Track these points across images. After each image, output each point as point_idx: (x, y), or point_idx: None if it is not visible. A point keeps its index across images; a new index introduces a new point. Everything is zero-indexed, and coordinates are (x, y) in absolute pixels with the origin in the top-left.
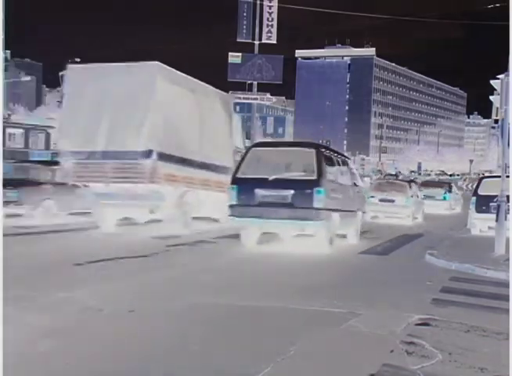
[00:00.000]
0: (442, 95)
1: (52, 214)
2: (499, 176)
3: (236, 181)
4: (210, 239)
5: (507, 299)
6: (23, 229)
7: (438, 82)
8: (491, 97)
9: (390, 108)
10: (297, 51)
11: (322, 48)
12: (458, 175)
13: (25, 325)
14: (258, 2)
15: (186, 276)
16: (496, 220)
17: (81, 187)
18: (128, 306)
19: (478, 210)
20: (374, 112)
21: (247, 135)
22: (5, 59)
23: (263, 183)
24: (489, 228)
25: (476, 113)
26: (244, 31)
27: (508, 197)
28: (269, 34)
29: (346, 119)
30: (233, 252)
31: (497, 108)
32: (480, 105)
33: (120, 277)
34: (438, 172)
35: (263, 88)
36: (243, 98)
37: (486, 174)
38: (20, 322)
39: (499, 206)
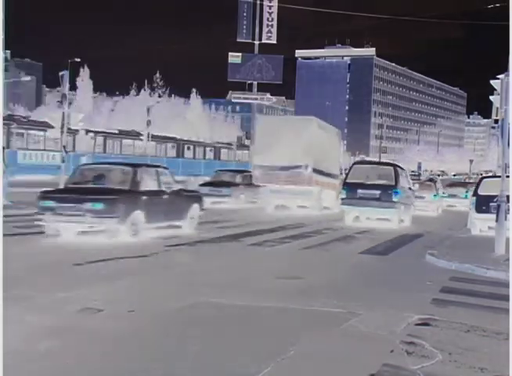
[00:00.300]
0: (442, 95)
1: (242, 201)
2: (499, 176)
3: (346, 184)
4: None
5: (507, 299)
6: (232, 207)
7: (438, 82)
8: (491, 97)
9: (390, 108)
10: (297, 51)
11: (322, 48)
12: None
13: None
14: (258, 2)
15: (186, 275)
16: (496, 220)
17: (261, 186)
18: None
19: (478, 210)
20: (374, 112)
21: (247, 135)
22: (5, 59)
23: (361, 186)
24: (489, 228)
25: (476, 113)
26: (244, 31)
27: (508, 196)
28: (269, 34)
29: (346, 119)
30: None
31: (497, 108)
32: (480, 105)
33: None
34: (438, 173)
35: (263, 88)
36: (243, 98)
37: (489, 174)
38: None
39: (499, 206)
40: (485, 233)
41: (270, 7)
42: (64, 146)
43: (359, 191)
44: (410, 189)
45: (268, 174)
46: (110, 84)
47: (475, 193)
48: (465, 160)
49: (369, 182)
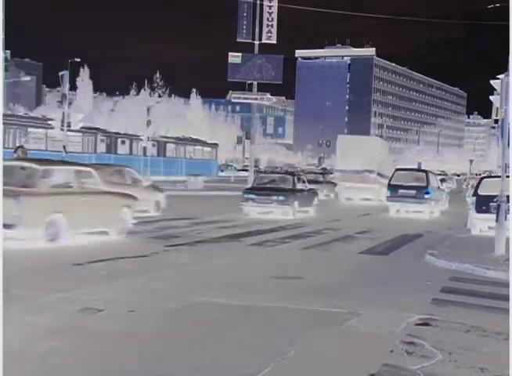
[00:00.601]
0: (442, 95)
1: (323, 195)
2: (499, 176)
3: (390, 185)
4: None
5: (507, 299)
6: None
7: (438, 82)
8: (491, 97)
9: (390, 108)
10: (297, 51)
11: (322, 48)
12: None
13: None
14: (258, 2)
15: (186, 275)
16: (496, 220)
17: (338, 184)
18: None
19: (478, 210)
20: (374, 112)
21: (247, 135)
22: (5, 59)
23: (402, 187)
24: (489, 228)
25: (476, 113)
26: (244, 31)
27: (508, 196)
28: (269, 34)
29: (346, 119)
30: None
31: (497, 108)
32: (480, 105)
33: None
34: (438, 172)
35: (263, 88)
36: (243, 98)
37: (487, 174)
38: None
39: (499, 206)
40: (485, 233)
41: (270, 7)
42: (64, 146)
43: (400, 191)
44: (439, 188)
45: (345, 175)
46: (110, 84)
47: (475, 193)
48: (465, 160)
49: (407, 184)
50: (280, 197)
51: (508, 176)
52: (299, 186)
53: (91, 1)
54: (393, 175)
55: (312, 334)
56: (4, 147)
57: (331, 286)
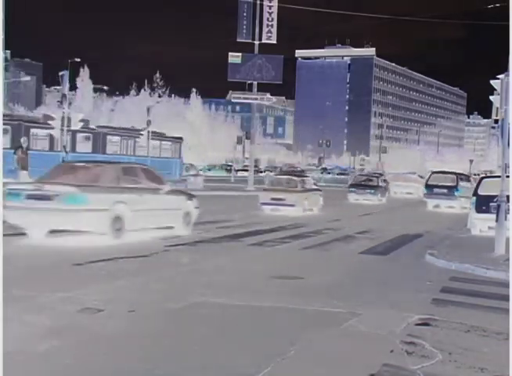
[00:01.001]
0: (442, 95)
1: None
2: (499, 176)
3: (426, 185)
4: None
5: (507, 299)
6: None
7: (438, 82)
8: (491, 97)
9: (390, 108)
10: (297, 51)
11: (322, 48)
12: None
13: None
14: (258, 2)
15: (186, 275)
16: (496, 220)
17: (390, 182)
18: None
19: (478, 210)
20: (374, 112)
21: (247, 135)
22: (5, 59)
23: (436, 186)
24: (489, 228)
25: (476, 113)
26: (244, 31)
27: (508, 196)
28: (269, 34)
29: (346, 119)
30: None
31: (497, 108)
32: (480, 105)
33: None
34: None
35: (263, 88)
36: (243, 98)
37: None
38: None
39: (499, 206)
40: (485, 233)
41: (270, 7)
42: (64, 146)
43: (435, 189)
44: (468, 187)
45: (395, 176)
46: (110, 84)
47: (475, 193)
48: (465, 160)
49: (440, 184)
50: (372, 191)
51: (508, 176)
52: (380, 183)
53: (91, 1)
54: (429, 176)
55: (312, 334)
56: (28, 148)
57: (331, 286)
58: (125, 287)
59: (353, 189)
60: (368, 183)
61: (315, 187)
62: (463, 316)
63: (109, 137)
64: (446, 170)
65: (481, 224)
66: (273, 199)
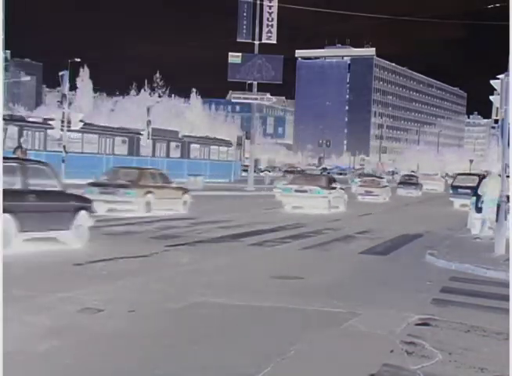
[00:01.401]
0: (442, 95)
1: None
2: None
3: (452, 186)
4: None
5: (507, 299)
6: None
7: (438, 82)
8: (491, 97)
9: (390, 108)
10: (297, 51)
11: (322, 48)
12: None
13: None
14: (258, 2)
15: (186, 275)
16: (496, 220)
17: (422, 181)
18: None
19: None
20: (374, 112)
21: (247, 135)
22: (5, 59)
23: (461, 187)
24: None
25: (476, 113)
26: (244, 31)
27: (508, 196)
28: (269, 34)
29: (346, 119)
30: None
31: (497, 108)
32: (480, 105)
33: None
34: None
35: (263, 88)
36: (243, 98)
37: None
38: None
39: (499, 206)
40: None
41: (270, 7)
42: (64, 146)
43: (459, 190)
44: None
45: (424, 176)
46: (110, 84)
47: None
48: (465, 160)
49: (465, 185)
50: (413, 186)
51: (508, 176)
52: (418, 181)
53: (91, 1)
54: (455, 178)
55: (312, 334)
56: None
57: (331, 286)
58: (125, 287)
59: (401, 185)
60: (411, 181)
61: (386, 184)
62: (463, 316)
63: (192, 145)
64: (470, 172)
65: None
66: (366, 191)
